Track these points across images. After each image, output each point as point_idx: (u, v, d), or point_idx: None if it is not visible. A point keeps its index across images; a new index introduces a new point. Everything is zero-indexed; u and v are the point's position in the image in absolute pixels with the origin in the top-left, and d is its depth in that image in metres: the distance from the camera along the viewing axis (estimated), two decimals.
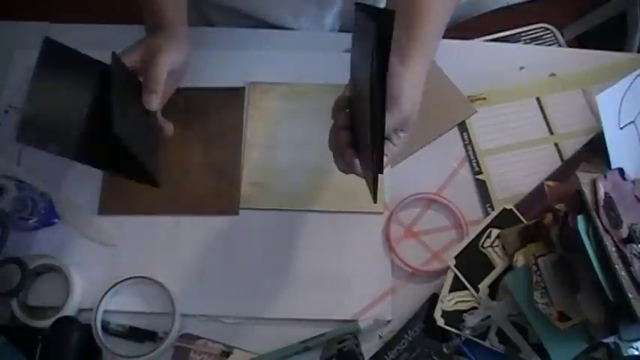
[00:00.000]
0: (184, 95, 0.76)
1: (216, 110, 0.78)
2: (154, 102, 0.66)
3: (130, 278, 0.68)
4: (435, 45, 0.66)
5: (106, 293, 0.67)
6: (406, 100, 0.58)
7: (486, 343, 0.64)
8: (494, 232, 0.69)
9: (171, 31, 0.71)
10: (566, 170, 0.74)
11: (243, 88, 0.79)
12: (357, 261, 0.71)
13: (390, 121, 0.57)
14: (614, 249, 0.58)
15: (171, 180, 0.73)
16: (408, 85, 0.58)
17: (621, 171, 0.65)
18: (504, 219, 0.70)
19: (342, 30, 0.91)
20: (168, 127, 0.71)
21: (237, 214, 0.73)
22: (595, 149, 0.74)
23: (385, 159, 0.58)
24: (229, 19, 0.88)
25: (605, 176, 0.63)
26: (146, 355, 0.65)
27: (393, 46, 0.56)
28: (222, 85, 0.79)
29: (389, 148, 0.59)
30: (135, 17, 0.77)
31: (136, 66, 0.68)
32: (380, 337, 0.68)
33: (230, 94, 0.78)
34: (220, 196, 0.73)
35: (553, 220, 0.64)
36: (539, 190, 0.72)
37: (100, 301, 0.67)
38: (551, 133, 0.77)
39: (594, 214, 0.60)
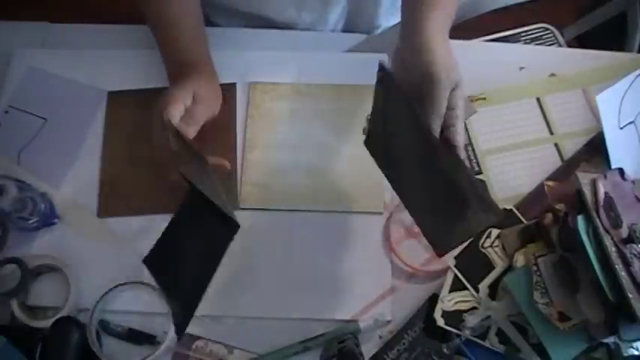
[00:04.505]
0: None
1: None
2: (191, 136, 0.67)
3: (125, 284, 0.68)
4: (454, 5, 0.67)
5: (100, 299, 0.67)
6: (441, 69, 0.59)
7: (486, 343, 0.64)
8: (495, 232, 0.69)
9: (204, 72, 0.72)
10: (566, 170, 0.74)
11: (233, 85, 0.79)
12: (357, 261, 0.71)
13: (441, 93, 0.59)
14: (614, 249, 0.58)
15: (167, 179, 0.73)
16: (441, 56, 0.60)
17: (621, 171, 0.65)
18: (504, 219, 0.70)
19: (344, 30, 0.91)
20: (225, 163, 0.70)
21: (236, 208, 0.73)
22: (595, 149, 0.74)
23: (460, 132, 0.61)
24: (231, 18, 0.88)
25: (605, 176, 0.63)
26: (144, 359, 0.65)
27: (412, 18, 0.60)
28: None
29: (456, 116, 0.61)
30: (135, 17, 0.77)
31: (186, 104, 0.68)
32: (380, 337, 0.68)
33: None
34: None
35: (553, 220, 0.64)
36: (539, 190, 0.72)
37: (95, 307, 0.67)
38: (551, 133, 0.77)
39: (594, 214, 0.60)
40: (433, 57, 0.60)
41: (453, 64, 0.61)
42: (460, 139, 0.62)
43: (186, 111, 0.67)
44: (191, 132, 0.67)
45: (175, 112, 0.65)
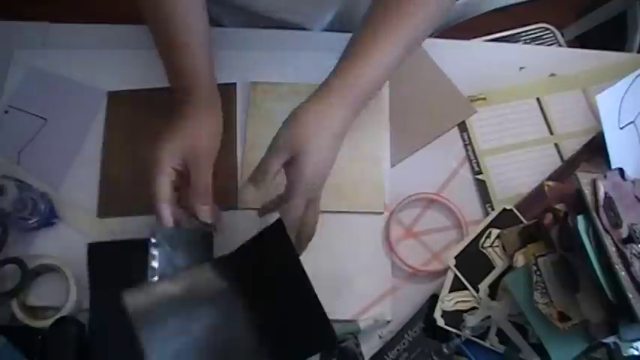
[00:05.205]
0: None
1: None
2: (209, 213, 0.65)
3: None
4: (374, 85, 0.64)
5: None
6: (283, 140, 0.60)
7: (486, 343, 0.64)
8: (494, 232, 0.69)
9: (208, 102, 0.69)
10: (566, 170, 0.74)
11: (233, 85, 0.79)
12: (357, 261, 0.70)
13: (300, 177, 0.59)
14: (614, 249, 0.58)
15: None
16: (294, 127, 0.60)
17: (621, 171, 0.65)
18: (504, 219, 0.70)
19: (340, 28, 0.91)
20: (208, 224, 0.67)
21: (236, 208, 0.73)
22: (595, 149, 0.74)
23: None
24: (228, 15, 0.88)
25: (605, 176, 0.63)
26: None
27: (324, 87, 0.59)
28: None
29: (295, 189, 0.60)
30: (135, 18, 0.77)
31: (177, 168, 0.65)
32: (380, 337, 0.68)
33: (220, 92, 0.76)
34: (217, 190, 0.73)
35: (553, 220, 0.64)
36: (539, 190, 0.72)
37: None
38: (551, 133, 0.77)
39: (594, 214, 0.60)
40: (286, 127, 0.60)
41: (303, 140, 0.59)
42: (307, 233, 0.62)
43: (188, 186, 0.65)
44: (205, 210, 0.64)
45: (171, 159, 0.64)
